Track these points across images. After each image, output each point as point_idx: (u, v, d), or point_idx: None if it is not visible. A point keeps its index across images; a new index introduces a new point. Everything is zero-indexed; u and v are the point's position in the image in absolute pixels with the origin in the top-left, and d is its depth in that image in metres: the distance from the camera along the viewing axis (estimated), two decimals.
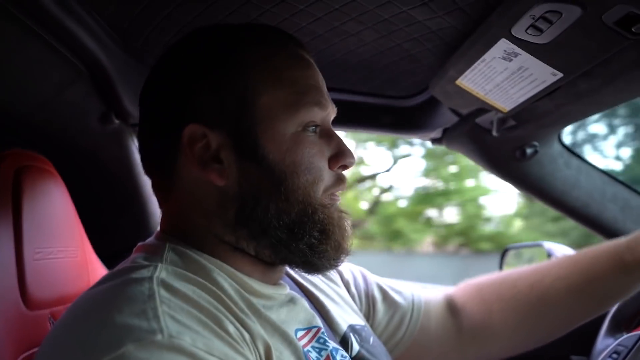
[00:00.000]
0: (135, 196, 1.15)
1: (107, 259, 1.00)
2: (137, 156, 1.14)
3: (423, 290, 0.96)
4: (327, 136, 0.68)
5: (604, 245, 0.87)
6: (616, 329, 0.93)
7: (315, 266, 0.67)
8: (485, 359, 0.94)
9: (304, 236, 0.64)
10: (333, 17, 0.81)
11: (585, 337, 1.02)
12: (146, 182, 1.18)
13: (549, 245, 1.48)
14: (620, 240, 0.85)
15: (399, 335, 0.88)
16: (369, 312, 0.89)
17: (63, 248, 0.85)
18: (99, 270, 0.96)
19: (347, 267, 0.94)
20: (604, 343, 0.89)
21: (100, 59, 0.86)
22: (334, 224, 0.65)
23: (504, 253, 1.64)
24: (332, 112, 0.70)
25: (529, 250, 1.94)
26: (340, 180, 0.68)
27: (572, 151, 1.22)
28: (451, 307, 0.94)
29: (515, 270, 0.94)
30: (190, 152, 0.63)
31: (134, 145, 1.12)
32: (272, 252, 0.65)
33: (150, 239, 0.70)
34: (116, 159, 1.10)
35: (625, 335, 0.87)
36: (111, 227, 1.13)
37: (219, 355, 0.49)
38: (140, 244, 0.69)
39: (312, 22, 0.83)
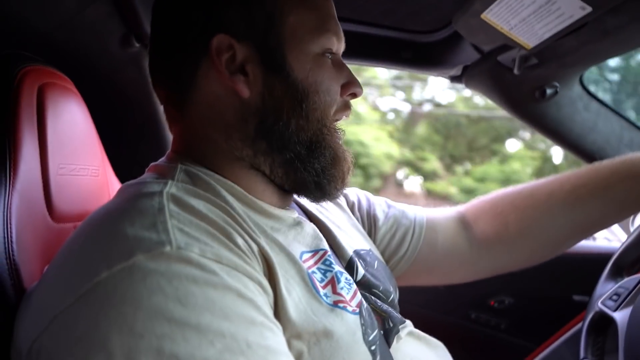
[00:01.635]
0: (153, 121, 1.16)
1: (126, 180, 1.03)
2: None
3: (431, 209, 0.98)
4: (339, 65, 0.70)
5: (628, 155, 0.89)
6: (617, 273, 0.94)
7: (324, 190, 0.69)
8: (498, 272, 0.96)
9: (319, 155, 0.67)
10: None
11: (587, 278, 1.04)
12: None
13: None
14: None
15: (402, 251, 0.92)
16: (371, 231, 0.92)
17: (85, 166, 0.87)
18: None
19: (353, 191, 0.97)
20: (605, 286, 0.91)
21: None
22: (342, 153, 0.70)
23: None
24: (343, 46, 0.73)
25: None
26: (347, 106, 0.71)
27: (592, 94, 1.20)
28: (463, 221, 0.96)
29: (530, 182, 0.94)
30: (218, 62, 0.64)
31: None
32: (285, 171, 0.68)
33: (162, 160, 0.71)
34: (135, 83, 1.10)
35: (626, 279, 0.89)
36: (129, 150, 1.15)
37: (227, 264, 0.51)
38: (152, 164, 0.71)
39: None
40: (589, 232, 0.92)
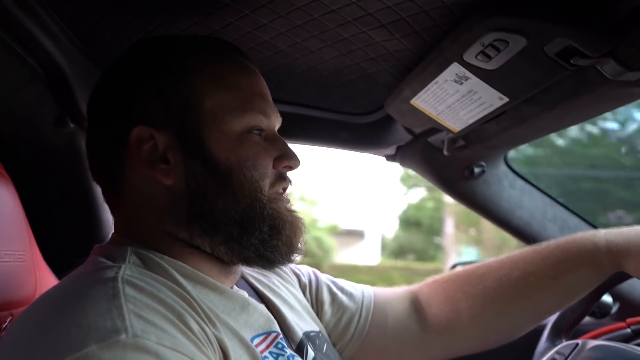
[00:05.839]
0: (87, 203, 1.13)
1: (56, 265, 0.98)
2: None
3: (382, 289, 0.96)
4: (273, 139, 0.72)
5: (575, 238, 0.84)
6: (556, 335, 0.96)
7: (269, 260, 0.69)
8: (451, 357, 0.94)
9: (254, 231, 0.67)
10: (295, 33, 0.83)
11: (527, 347, 1.06)
12: (98, 189, 1.16)
13: None
14: (597, 234, 0.82)
15: (348, 336, 0.89)
16: (318, 315, 0.90)
17: (11, 252, 0.83)
18: (48, 276, 0.94)
19: (304, 269, 0.96)
20: (544, 349, 0.93)
21: (58, 61, 0.85)
22: (284, 219, 0.69)
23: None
24: (276, 121, 0.74)
25: None
26: (283, 178, 0.71)
27: (516, 172, 1.28)
28: (415, 304, 0.94)
29: (482, 264, 0.92)
30: (138, 153, 0.65)
31: None
32: (226, 248, 0.68)
33: (106, 242, 0.70)
34: (69, 164, 1.08)
35: (564, 343, 0.92)
36: (61, 233, 1.10)
37: (185, 353, 0.50)
38: (97, 246, 0.70)
39: (274, 36, 0.85)
40: (543, 317, 0.90)
